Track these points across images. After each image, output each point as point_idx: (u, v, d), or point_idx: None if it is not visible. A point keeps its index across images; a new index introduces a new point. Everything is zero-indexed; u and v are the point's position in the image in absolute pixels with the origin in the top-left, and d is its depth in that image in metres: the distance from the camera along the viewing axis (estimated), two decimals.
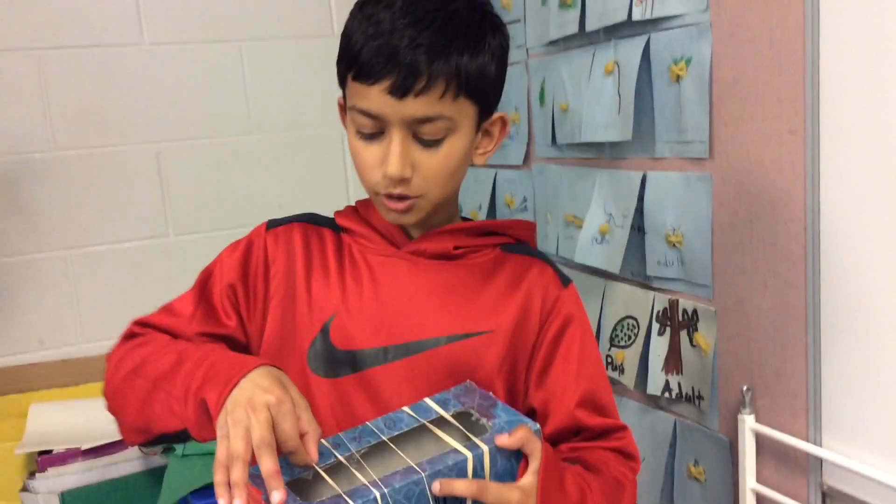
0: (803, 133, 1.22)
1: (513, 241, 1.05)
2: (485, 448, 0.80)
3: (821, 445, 1.25)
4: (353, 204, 1.08)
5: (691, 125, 1.42)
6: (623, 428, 1.02)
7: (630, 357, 1.62)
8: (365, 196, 1.02)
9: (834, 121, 1.18)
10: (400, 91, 0.87)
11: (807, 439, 1.27)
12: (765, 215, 1.30)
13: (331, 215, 1.07)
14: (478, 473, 0.80)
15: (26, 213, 1.99)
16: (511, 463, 0.83)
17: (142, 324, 1.00)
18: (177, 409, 0.86)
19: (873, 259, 1.15)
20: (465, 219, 1.07)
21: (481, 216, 2.13)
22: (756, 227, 1.32)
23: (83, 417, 1.84)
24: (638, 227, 1.57)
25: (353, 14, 0.93)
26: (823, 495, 1.27)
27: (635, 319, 1.61)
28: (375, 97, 0.89)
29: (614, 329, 1.67)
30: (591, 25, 1.63)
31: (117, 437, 1.21)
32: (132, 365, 0.93)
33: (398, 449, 0.82)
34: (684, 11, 1.40)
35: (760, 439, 1.35)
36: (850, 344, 1.20)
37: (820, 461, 1.26)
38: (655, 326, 1.56)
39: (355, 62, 0.90)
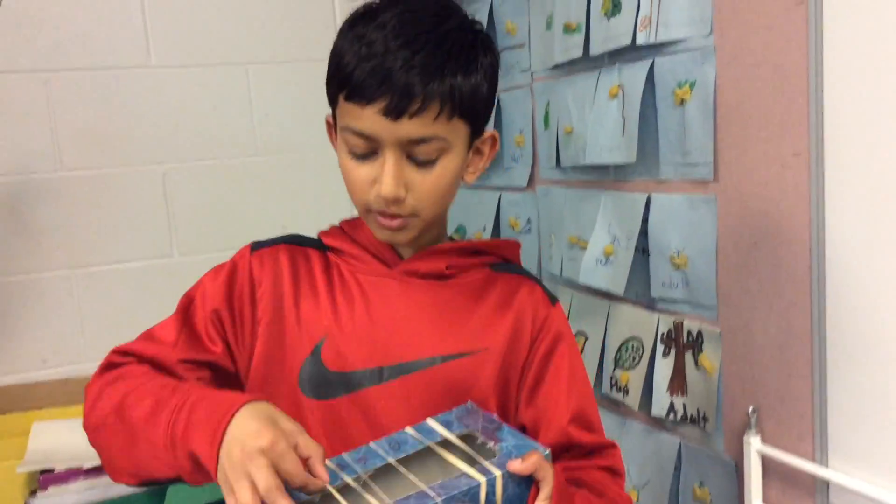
0: (808, 156, 1.23)
1: (500, 261, 1.05)
2: (497, 473, 0.80)
3: (827, 466, 1.25)
4: (338, 224, 1.07)
5: (696, 148, 1.43)
6: (612, 446, 1.02)
7: (635, 378, 1.62)
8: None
9: (838, 143, 1.19)
10: (394, 113, 0.87)
11: (813, 460, 1.26)
12: (769, 237, 1.31)
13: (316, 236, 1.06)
14: (489, 499, 0.79)
15: (31, 232, 2.00)
16: (521, 488, 0.83)
17: (122, 353, 0.97)
18: (165, 459, 0.83)
19: (878, 281, 1.16)
20: (451, 238, 1.07)
21: (486, 238, 2.14)
22: (761, 248, 1.33)
23: (85, 436, 1.84)
24: (642, 249, 1.58)
25: (342, 33, 0.93)
26: None
27: (640, 341, 1.61)
28: (369, 118, 0.88)
29: (619, 350, 1.67)
30: (595, 50, 1.64)
31: None
32: (110, 405, 0.89)
33: (406, 471, 0.81)
34: (688, 36, 1.42)
35: (766, 461, 1.35)
36: (856, 365, 1.20)
37: (827, 483, 1.26)
38: (660, 348, 1.56)
39: (347, 83, 0.89)
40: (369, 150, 0.91)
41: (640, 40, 1.51)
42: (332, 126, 0.99)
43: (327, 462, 0.81)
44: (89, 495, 1.79)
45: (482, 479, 0.79)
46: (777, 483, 1.34)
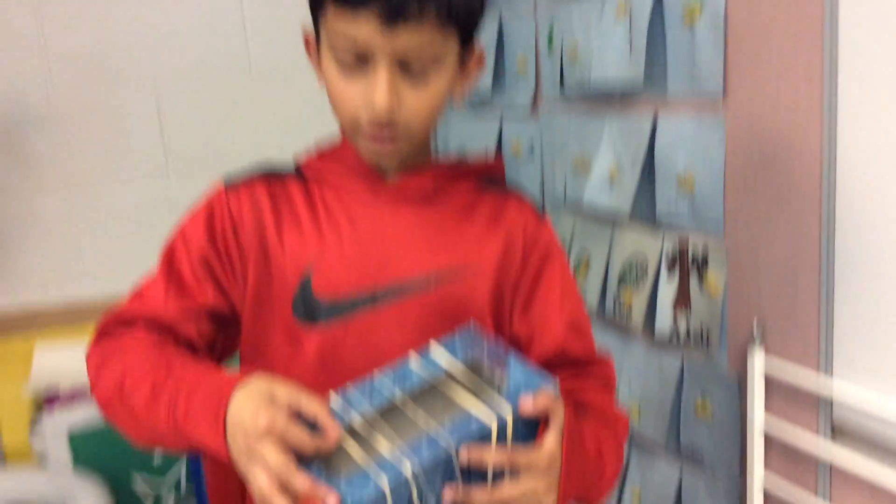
0: (821, 74, 1.22)
1: (487, 178, 1.04)
2: (508, 418, 0.80)
3: (832, 375, 1.27)
4: (314, 147, 1.03)
5: (705, 68, 1.42)
6: (605, 355, 1.04)
7: (638, 299, 1.64)
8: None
9: (852, 61, 1.18)
10: (389, 19, 0.83)
11: (817, 370, 1.28)
12: (780, 156, 1.31)
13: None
14: (500, 438, 0.80)
15: (27, 157, 1.99)
16: (531, 425, 0.83)
17: (116, 319, 0.96)
18: (176, 443, 0.86)
19: (888, 197, 1.17)
20: (436, 158, 1.05)
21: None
22: (770, 168, 1.33)
23: None
24: (648, 171, 1.58)
25: None
26: (833, 431, 1.29)
27: (644, 261, 1.62)
28: (362, 26, 0.84)
29: (622, 271, 1.68)
30: None
31: None
32: (112, 385, 0.90)
33: (414, 410, 0.81)
34: None
35: (770, 377, 1.38)
36: (863, 279, 1.21)
37: (830, 398, 1.28)
38: (664, 268, 1.57)
39: None
40: (359, 62, 0.87)
41: None
42: (311, 45, 0.95)
43: (333, 401, 0.81)
44: (95, 416, 1.81)
45: (493, 423, 0.79)
46: (780, 398, 1.37)
